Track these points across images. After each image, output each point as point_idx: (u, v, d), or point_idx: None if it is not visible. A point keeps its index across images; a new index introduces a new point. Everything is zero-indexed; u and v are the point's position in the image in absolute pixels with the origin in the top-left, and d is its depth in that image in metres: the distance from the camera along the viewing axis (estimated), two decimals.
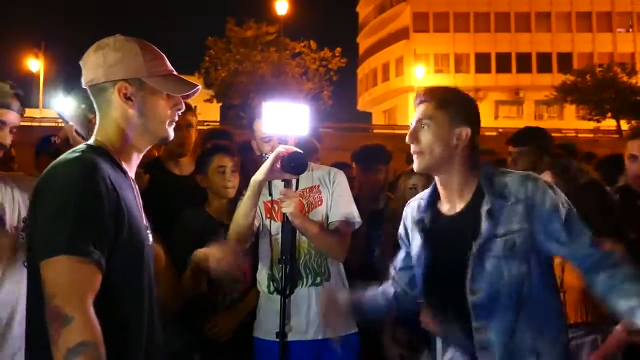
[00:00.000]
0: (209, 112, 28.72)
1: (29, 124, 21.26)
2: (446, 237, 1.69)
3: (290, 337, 2.07)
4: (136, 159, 1.44)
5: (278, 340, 2.05)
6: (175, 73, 1.44)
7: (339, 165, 2.77)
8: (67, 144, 2.85)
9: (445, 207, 1.73)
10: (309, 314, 2.22)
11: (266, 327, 2.27)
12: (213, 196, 2.56)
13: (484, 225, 1.60)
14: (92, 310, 1.12)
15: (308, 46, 27.72)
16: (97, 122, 1.41)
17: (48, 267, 1.14)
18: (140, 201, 1.41)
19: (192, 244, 2.45)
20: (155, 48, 1.43)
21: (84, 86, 1.41)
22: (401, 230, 1.90)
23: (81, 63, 1.41)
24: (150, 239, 1.41)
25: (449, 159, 1.66)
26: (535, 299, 1.61)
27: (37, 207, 1.23)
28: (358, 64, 46.55)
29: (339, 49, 28.02)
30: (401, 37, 40.53)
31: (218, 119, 29.03)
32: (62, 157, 1.30)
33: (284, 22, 28.04)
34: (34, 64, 33.24)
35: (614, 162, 3.05)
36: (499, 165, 2.42)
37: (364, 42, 46.17)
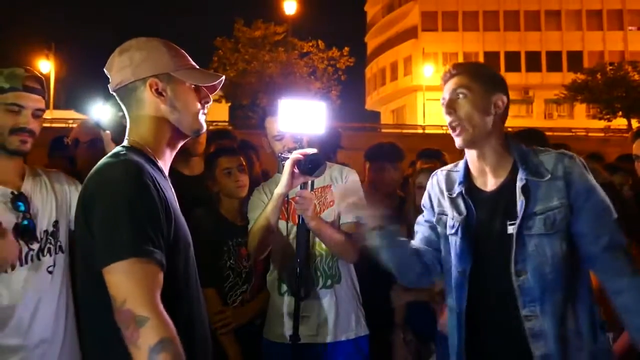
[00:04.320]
0: (217, 112, 28.82)
1: None
2: (483, 212, 1.67)
3: (301, 340, 2.06)
4: (169, 156, 1.44)
5: (288, 342, 2.04)
6: (197, 67, 1.46)
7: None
8: (77, 146, 2.87)
9: (478, 182, 1.72)
10: (319, 316, 2.21)
11: (276, 329, 2.26)
12: (224, 197, 2.56)
13: (519, 202, 1.59)
14: (162, 308, 1.15)
15: (316, 46, 27.76)
16: (128, 124, 1.41)
17: (114, 272, 1.15)
18: (176, 199, 1.42)
19: (204, 245, 2.46)
20: (176, 46, 1.45)
21: (111, 91, 1.42)
22: (425, 200, 1.88)
23: (106, 69, 1.42)
24: (190, 235, 1.42)
25: (488, 130, 1.65)
26: (578, 279, 1.61)
27: (88, 216, 1.23)
28: (366, 63, 46.48)
29: (347, 49, 28.05)
30: (409, 36, 40.40)
31: (227, 119, 29.10)
32: (105, 161, 1.31)
33: (292, 22, 28.09)
34: (45, 65, 33.48)
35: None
36: None
37: (372, 42, 46.07)
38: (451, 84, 1.68)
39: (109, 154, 1.35)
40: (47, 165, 3.25)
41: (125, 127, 2.02)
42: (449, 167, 1.85)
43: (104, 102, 2.09)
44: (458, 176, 1.76)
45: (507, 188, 1.64)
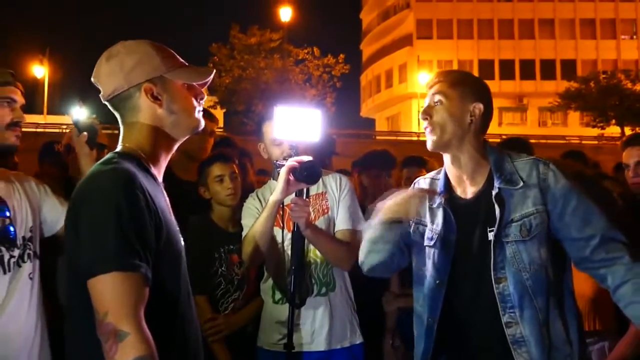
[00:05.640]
0: None
1: (33, 130, 21.33)
2: (463, 221, 1.67)
3: (295, 348, 2.04)
4: (165, 161, 1.42)
5: (282, 350, 2.02)
6: (187, 64, 1.43)
7: (339, 172, 2.74)
8: (69, 151, 2.84)
9: (458, 190, 1.73)
10: (314, 324, 2.19)
11: (270, 337, 2.24)
12: (216, 204, 2.55)
13: (496, 211, 1.60)
14: (144, 324, 1.13)
15: (312, 53, 27.87)
16: (122, 131, 1.38)
17: (98, 284, 1.13)
18: (169, 205, 1.39)
19: (195, 252, 2.44)
20: (163, 45, 1.42)
21: (104, 101, 1.38)
22: None
23: (94, 78, 1.38)
24: (182, 242, 1.40)
25: (461, 137, 1.67)
26: (561, 285, 1.61)
27: (76, 223, 1.20)
28: (361, 70, 46.69)
29: (342, 56, 28.19)
30: (405, 44, 40.61)
31: (221, 126, 29.09)
32: (96, 168, 1.29)
33: (288, 28, 28.21)
34: (39, 70, 33.41)
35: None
36: None
37: (367, 49, 46.28)
38: (432, 90, 1.72)
39: (101, 161, 1.32)
40: (38, 171, 3.24)
41: (96, 130, 2.02)
42: (431, 174, 1.86)
43: (81, 104, 2.07)
44: (439, 185, 1.77)
45: (484, 196, 1.66)
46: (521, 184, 1.62)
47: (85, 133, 2.01)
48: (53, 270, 2.72)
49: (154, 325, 1.16)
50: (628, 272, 1.53)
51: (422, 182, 1.85)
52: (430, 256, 1.72)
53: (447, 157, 1.73)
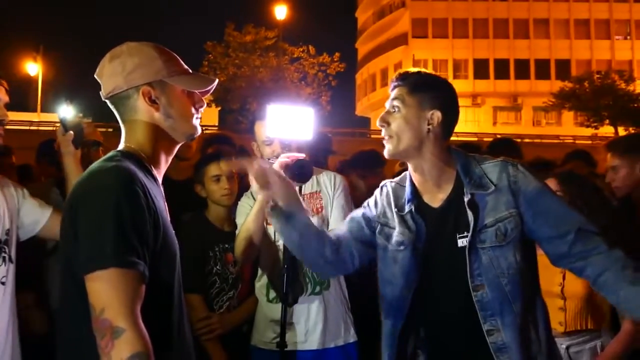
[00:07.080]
0: (207, 117, 28.80)
1: (27, 127, 21.24)
2: (434, 228, 1.64)
3: (289, 347, 2.05)
4: (165, 163, 1.43)
5: (276, 349, 2.03)
6: (190, 71, 1.44)
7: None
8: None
9: (425, 198, 1.68)
10: (308, 323, 2.20)
11: (264, 335, 2.25)
12: (212, 203, 2.55)
13: (469, 217, 1.57)
14: (141, 321, 1.13)
15: (307, 51, 27.78)
16: (123, 129, 1.39)
17: (95, 280, 1.14)
18: (166, 208, 1.40)
19: (190, 251, 2.44)
20: (167, 49, 1.42)
21: (103, 98, 1.39)
22: (370, 202, 1.81)
23: (97, 75, 1.40)
24: (177, 244, 1.40)
25: (419, 146, 1.62)
26: (532, 284, 1.61)
27: (75, 219, 1.21)
28: (357, 69, 46.64)
29: (337, 54, 28.09)
30: (400, 43, 40.62)
31: (216, 124, 29.04)
32: (98, 165, 1.29)
33: (283, 27, 28.15)
34: (33, 67, 33.23)
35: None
36: None
37: (362, 48, 46.26)
38: (392, 94, 1.67)
39: (103, 158, 1.33)
40: (35, 170, 3.22)
41: (82, 129, 2.02)
42: (397, 179, 1.81)
43: (68, 103, 2.05)
44: (406, 193, 1.72)
45: (454, 202, 1.62)
46: (492, 188, 1.58)
47: (71, 132, 2.00)
48: (44, 274, 2.71)
49: (149, 324, 1.16)
50: (606, 259, 1.51)
51: (389, 185, 1.80)
52: (398, 260, 1.67)
53: (409, 165, 1.69)
